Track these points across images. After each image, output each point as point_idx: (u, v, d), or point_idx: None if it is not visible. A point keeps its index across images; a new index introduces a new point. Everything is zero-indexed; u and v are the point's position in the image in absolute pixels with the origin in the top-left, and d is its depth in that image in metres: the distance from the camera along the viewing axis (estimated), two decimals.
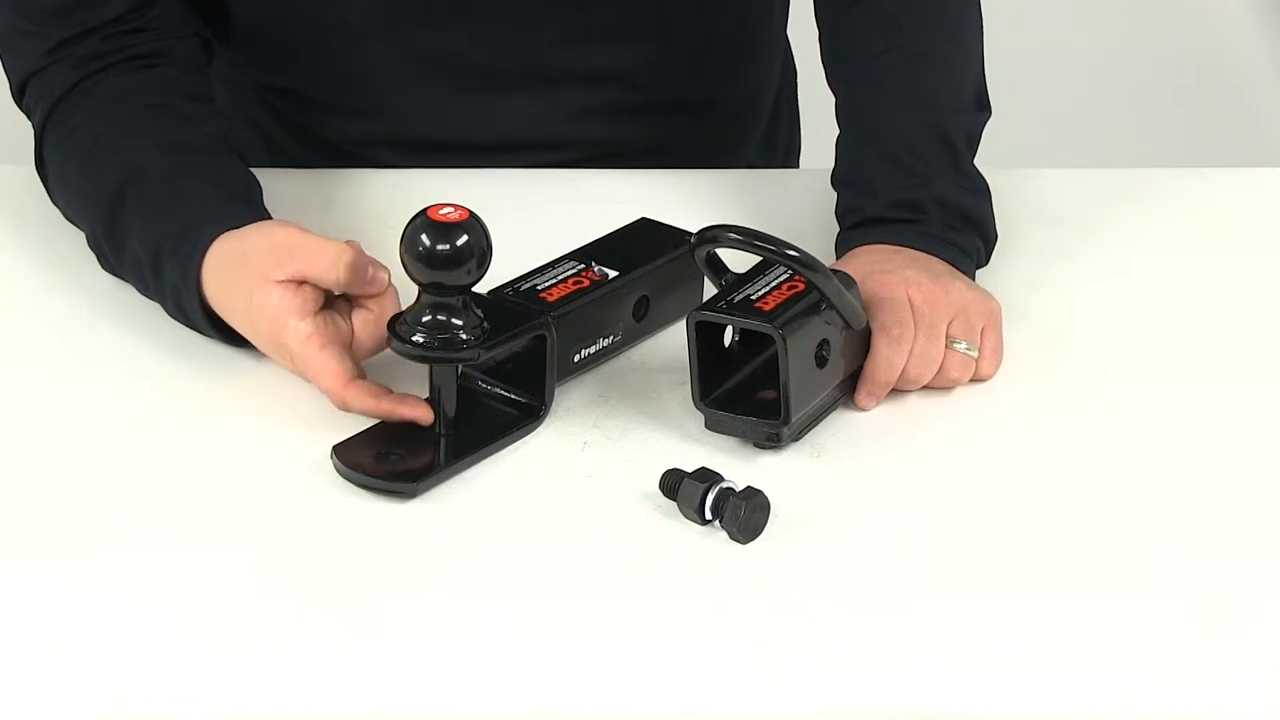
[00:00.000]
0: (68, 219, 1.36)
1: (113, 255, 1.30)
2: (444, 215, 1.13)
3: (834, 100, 1.40)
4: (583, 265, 1.26)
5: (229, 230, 1.23)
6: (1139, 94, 2.83)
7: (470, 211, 1.14)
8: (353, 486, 1.15)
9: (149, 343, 1.27)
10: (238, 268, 1.22)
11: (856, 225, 1.33)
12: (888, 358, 1.22)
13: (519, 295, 1.22)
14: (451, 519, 1.13)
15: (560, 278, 1.24)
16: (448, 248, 1.13)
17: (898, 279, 1.24)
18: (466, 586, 1.08)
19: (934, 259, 1.28)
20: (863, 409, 1.23)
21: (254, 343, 1.24)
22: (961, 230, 1.32)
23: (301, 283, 1.20)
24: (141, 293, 1.29)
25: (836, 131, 1.39)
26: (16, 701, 1.00)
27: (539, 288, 1.23)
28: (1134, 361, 1.29)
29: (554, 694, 1.01)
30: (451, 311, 1.15)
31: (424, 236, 1.13)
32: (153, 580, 1.08)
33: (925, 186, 1.32)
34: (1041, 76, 2.64)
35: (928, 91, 1.35)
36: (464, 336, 1.15)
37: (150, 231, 1.26)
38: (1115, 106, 2.82)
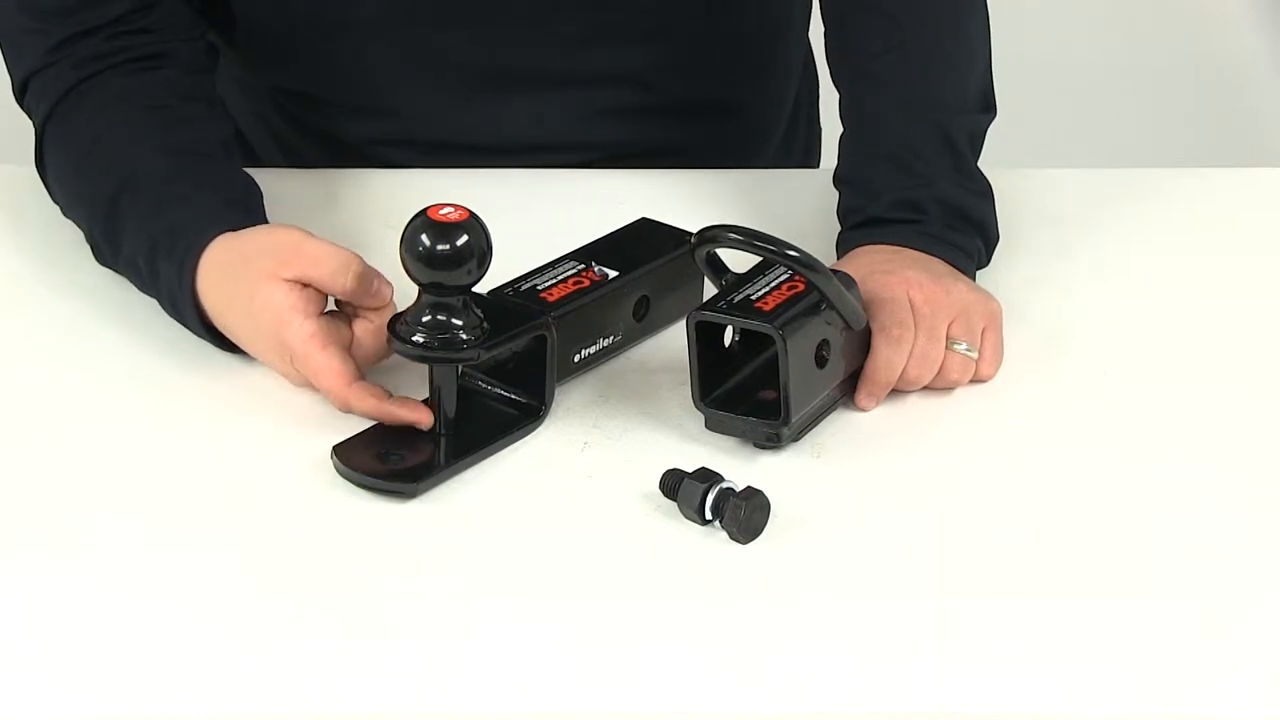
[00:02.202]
0: (67, 218, 1.36)
1: (110, 254, 1.30)
2: (444, 215, 1.13)
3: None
4: (583, 265, 1.26)
5: (227, 232, 1.23)
6: (1139, 94, 2.83)
7: (470, 211, 1.14)
8: (353, 486, 1.15)
9: (149, 343, 1.27)
10: (239, 267, 1.22)
11: (857, 225, 1.33)
12: (888, 358, 1.22)
13: (519, 295, 1.22)
14: (451, 519, 1.13)
15: (560, 278, 1.24)
16: (448, 248, 1.13)
17: (898, 279, 1.24)
18: (466, 586, 1.08)
19: (935, 259, 1.28)
20: (863, 409, 1.23)
21: (248, 346, 1.23)
22: (962, 231, 1.31)
23: (306, 285, 1.20)
24: (139, 288, 1.29)
25: None
26: (16, 701, 1.00)
27: (539, 288, 1.23)
28: (1134, 361, 1.29)
29: (554, 694, 1.01)
30: (451, 311, 1.15)
31: (424, 236, 1.13)
32: (153, 580, 1.08)
33: (926, 187, 1.32)
34: (1042, 76, 2.63)
35: (930, 91, 1.35)
36: (464, 336, 1.15)
37: (144, 232, 1.26)
38: (1115, 106, 2.82)
